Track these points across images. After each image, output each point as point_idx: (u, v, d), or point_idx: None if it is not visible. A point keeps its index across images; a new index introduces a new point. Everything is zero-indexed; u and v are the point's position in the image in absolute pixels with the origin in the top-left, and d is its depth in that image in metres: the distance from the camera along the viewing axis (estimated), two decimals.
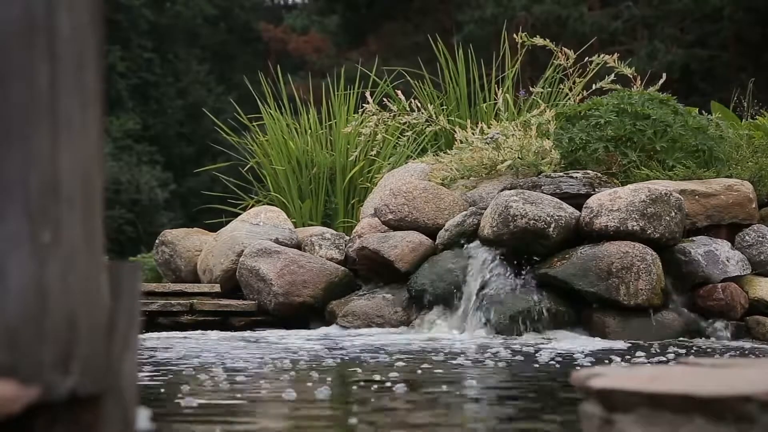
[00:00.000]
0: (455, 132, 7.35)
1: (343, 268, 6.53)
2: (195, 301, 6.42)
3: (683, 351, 4.83)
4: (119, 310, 1.38)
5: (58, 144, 1.29)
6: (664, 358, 4.34)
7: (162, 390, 3.26)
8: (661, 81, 7.61)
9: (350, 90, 8.78)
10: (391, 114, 8.07)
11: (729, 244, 5.99)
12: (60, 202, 1.29)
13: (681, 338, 5.61)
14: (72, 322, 1.31)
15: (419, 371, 3.79)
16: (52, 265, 1.29)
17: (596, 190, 6.14)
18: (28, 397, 1.27)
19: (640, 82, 7.81)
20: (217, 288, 6.62)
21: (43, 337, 1.29)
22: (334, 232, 7.00)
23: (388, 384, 3.28)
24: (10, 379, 1.28)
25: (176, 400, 2.87)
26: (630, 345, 5.12)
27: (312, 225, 7.98)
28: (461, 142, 7.09)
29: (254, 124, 8.86)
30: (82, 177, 1.31)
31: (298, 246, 6.82)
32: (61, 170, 1.29)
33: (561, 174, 6.31)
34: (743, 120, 7.59)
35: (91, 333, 1.33)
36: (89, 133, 1.32)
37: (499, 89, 8.10)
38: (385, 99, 8.35)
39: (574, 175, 6.28)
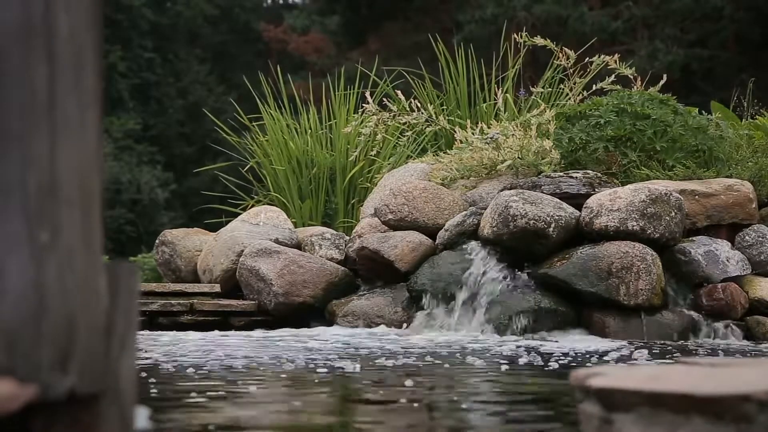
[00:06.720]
0: (455, 132, 7.35)
1: (343, 268, 6.52)
2: (195, 301, 6.41)
3: (683, 351, 4.82)
4: (117, 310, 1.38)
5: (56, 145, 1.29)
6: (664, 358, 4.34)
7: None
8: (662, 82, 7.60)
9: (350, 90, 8.77)
10: (391, 114, 8.07)
11: (729, 244, 5.99)
12: (58, 203, 1.29)
13: (681, 338, 5.61)
14: (70, 323, 1.31)
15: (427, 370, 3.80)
16: (50, 265, 1.29)
17: (596, 190, 6.13)
18: (26, 396, 1.27)
19: (640, 82, 7.80)
20: (217, 288, 6.61)
21: (41, 338, 1.29)
22: (334, 232, 7.00)
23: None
24: (8, 378, 1.28)
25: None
26: (630, 345, 5.12)
27: (312, 225, 7.97)
28: (461, 142, 7.09)
29: (254, 124, 8.86)
30: (81, 178, 1.31)
31: (298, 246, 6.81)
32: (59, 171, 1.29)
33: (561, 174, 6.30)
34: (743, 120, 7.58)
35: (89, 333, 1.33)
36: (88, 134, 1.32)
37: (499, 89, 8.09)
38: (385, 99, 8.35)
39: (574, 175, 6.28)
